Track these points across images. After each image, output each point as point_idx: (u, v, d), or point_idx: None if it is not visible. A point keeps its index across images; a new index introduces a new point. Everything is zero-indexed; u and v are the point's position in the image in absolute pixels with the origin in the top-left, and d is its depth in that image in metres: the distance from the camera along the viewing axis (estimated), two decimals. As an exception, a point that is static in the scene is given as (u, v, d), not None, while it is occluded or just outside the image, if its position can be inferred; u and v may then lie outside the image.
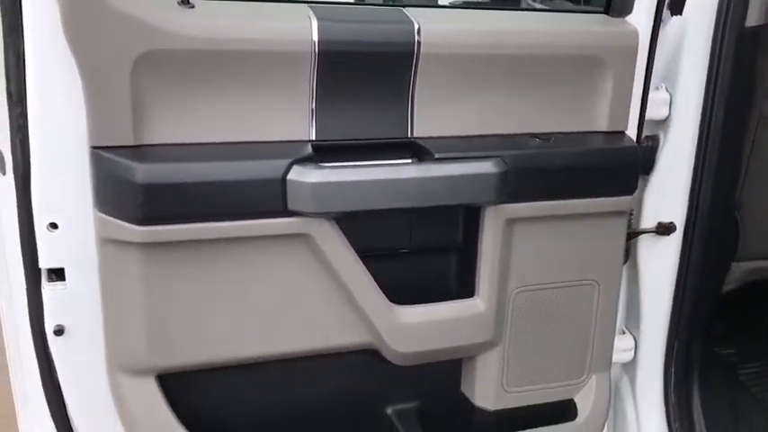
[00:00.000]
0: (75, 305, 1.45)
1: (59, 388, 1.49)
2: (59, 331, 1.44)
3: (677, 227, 1.87)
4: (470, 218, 1.56)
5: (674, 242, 1.88)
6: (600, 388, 1.72)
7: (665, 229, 1.87)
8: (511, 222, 1.54)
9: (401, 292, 1.53)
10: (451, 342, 1.57)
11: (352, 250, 1.45)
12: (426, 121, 1.50)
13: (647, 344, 1.96)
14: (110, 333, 1.41)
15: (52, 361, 1.46)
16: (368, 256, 1.48)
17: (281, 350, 1.49)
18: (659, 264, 1.90)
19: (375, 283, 1.48)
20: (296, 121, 1.43)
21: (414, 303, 1.54)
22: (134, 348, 1.40)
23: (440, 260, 1.64)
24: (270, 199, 1.37)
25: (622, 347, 1.94)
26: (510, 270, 1.58)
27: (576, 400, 1.73)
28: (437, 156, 1.46)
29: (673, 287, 1.90)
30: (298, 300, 1.46)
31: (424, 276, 1.63)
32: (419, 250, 1.61)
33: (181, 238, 1.34)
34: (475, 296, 1.57)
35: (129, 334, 1.39)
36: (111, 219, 1.32)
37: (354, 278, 1.46)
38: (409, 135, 1.50)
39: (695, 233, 1.86)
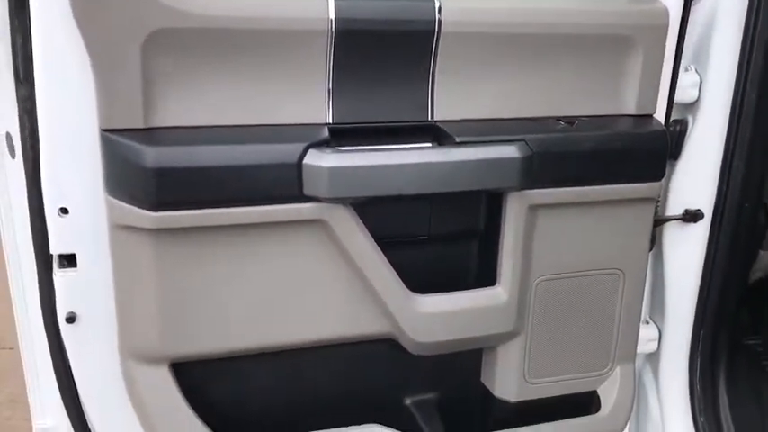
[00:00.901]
0: (87, 292, 1.42)
1: (71, 375, 1.46)
2: (71, 318, 1.41)
3: (705, 214, 1.81)
4: (492, 204, 1.50)
5: (701, 230, 1.82)
6: (624, 379, 1.67)
7: (691, 217, 1.81)
8: (534, 209, 1.49)
9: (420, 280, 1.48)
10: (472, 332, 1.53)
11: (370, 237, 1.40)
12: (447, 104, 1.45)
13: (671, 334, 1.90)
14: (122, 321, 1.38)
15: (64, 348, 1.43)
16: (386, 243, 1.43)
17: (297, 339, 1.45)
18: (685, 252, 1.84)
19: (394, 271, 1.43)
20: (312, 103, 1.38)
21: (433, 292, 1.49)
22: (147, 336, 1.37)
23: (460, 248, 1.59)
24: (285, 184, 1.32)
25: (646, 338, 1.88)
26: (533, 258, 1.53)
27: (599, 391, 1.68)
28: (458, 140, 1.41)
29: (699, 276, 1.84)
30: (314, 288, 1.42)
31: (443, 264, 1.58)
32: (439, 237, 1.56)
33: (194, 224, 1.30)
34: (496, 285, 1.52)
35: (141, 322, 1.36)
36: (123, 204, 1.29)
37: (372, 266, 1.41)
38: (429, 118, 1.45)
39: (723, 221, 1.80)
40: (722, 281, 1.83)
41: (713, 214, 1.80)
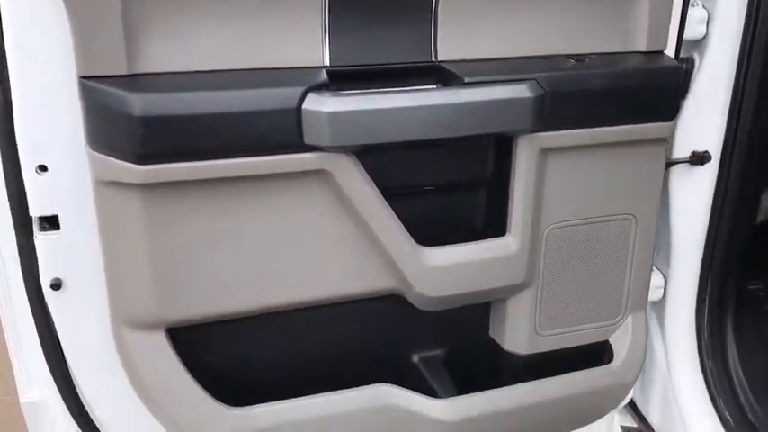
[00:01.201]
0: (72, 256, 1.32)
1: (59, 345, 1.37)
2: (56, 285, 1.32)
3: (712, 156, 1.75)
4: (501, 149, 1.42)
5: (708, 172, 1.76)
6: (636, 328, 1.62)
7: (699, 159, 1.75)
8: (545, 153, 1.41)
9: (426, 233, 1.40)
10: (482, 285, 1.46)
11: (375, 187, 1.31)
12: (452, 42, 1.35)
13: (677, 281, 1.86)
14: (113, 285, 1.28)
15: (50, 317, 1.34)
16: (390, 195, 1.34)
17: (300, 298, 1.37)
18: (692, 195, 1.79)
19: (400, 223, 1.35)
20: (307, 44, 1.28)
21: (440, 245, 1.42)
22: (141, 301, 1.27)
23: (467, 198, 1.51)
24: (283, 132, 1.22)
25: (651, 285, 1.83)
26: (543, 205, 1.45)
27: (611, 341, 1.63)
28: (466, 80, 1.31)
29: (707, 220, 1.79)
30: (317, 243, 1.34)
31: (449, 216, 1.51)
32: (444, 187, 1.48)
33: (185, 177, 1.20)
34: (506, 235, 1.45)
35: (134, 285, 1.27)
36: (107, 158, 1.18)
37: (378, 218, 1.33)
38: (433, 58, 1.35)
39: (732, 163, 1.74)
40: (731, 224, 1.78)
41: (721, 156, 1.74)
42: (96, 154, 1.19)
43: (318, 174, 1.27)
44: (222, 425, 1.36)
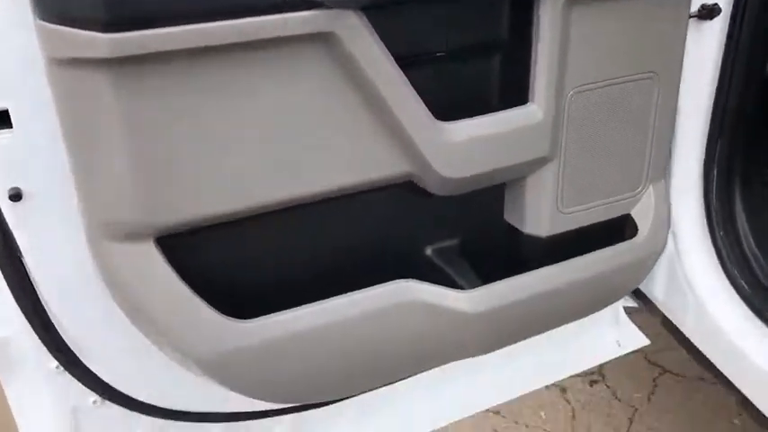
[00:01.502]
0: (31, 159, 1.08)
1: (24, 267, 1.15)
2: (16, 196, 1.08)
3: (722, 9, 1.61)
4: (520, 5, 1.24)
5: (717, 27, 1.62)
6: (659, 198, 1.52)
7: (708, 13, 1.61)
8: (569, 7, 1.23)
9: (440, 107, 1.22)
10: (505, 160, 1.30)
11: (388, 52, 1.11)
12: None
13: (684, 144, 1.75)
14: (86, 191, 1.06)
15: (10, 234, 1.11)
16: (400, 64, 1.15)
17: (305, 191, 1.19)
18: (700, 52, 1.65)
19: (416, 94, 1.17)
20: None
21: (456, 119, 1.25)
22: (122, 207, 1.06)
23: (482, 64, 1.33)
24: None
25: (656, 155, 1.72)
26: (567, 66, 1.29)
27: (633, 215, 1.52)
28: None
29: (716, 77, 1.67)
30: (322, 124, 1.14)
31: (463, 86, 1.33)
32: (458, 53, 1.29)
33: (164, 47, 0.97)
34: (529, 102, 1.29)
35: (111, 189, 1.05)
36: (61, 28, 0.94)
37: (392, 88, 1.14)
38: None
39: (744, 16, 1.61)
40: (741, 82, 1.66)
41: (732, 9, 1.61)
42: (47, 25, 0.94)
43: (322, 38, 1.06)
44: (228, 339, 1.19)
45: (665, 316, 1.92)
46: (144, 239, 1.09)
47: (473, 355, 1.42)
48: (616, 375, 2.76)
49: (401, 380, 1.41)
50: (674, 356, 2.70)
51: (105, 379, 1.30)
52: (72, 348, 1.24)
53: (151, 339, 1.20)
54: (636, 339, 1.91)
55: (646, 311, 2.08)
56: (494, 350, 1.44)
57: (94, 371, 1.28)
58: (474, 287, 1.37)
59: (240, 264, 1.27)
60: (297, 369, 1.27)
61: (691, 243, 1.79)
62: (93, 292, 1.18)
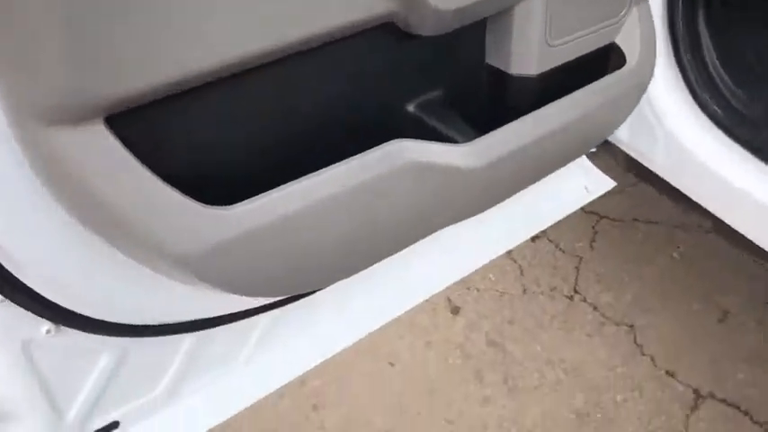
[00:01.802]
0: None
1: None
2: None
3: None
4: None
5: None
6: (644, 21, 1.40)
7: None
8: None
9: None
10: None
11: None
12: None
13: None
14: (4, 61, 0.80)
15: None
16: None
17: (276, 42, 0.96)
18: None
19: None
20: None
21: None
22: (59, 77, 0.80)
23: None
24: None
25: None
26: None
27: (619, 43, 1.40)
28: None
29: None
30: None
31: None
32: None
33: None
34: None
35: (42, 54, 0.79)
36: None
37: None
38: None
39: None
40: None
41: None
42: None
43: None
44: (212, 230, 0.98)
45: (627, 156, 1.87)
46: (91, 119, 0.85)
47: (473, 215, 1.30)
48: (556, 228, 2.76)
49: (396, 252, 1.27)
50: (608, 202, 2.73)
51: (57, 302, 1.07)
52: (12, 272, 1.00)
53: (113, 242, 0.98)
54: (602, 183, 1.86)
55: (605, 155, 2.04)
56: (497, 202, 1.32)
57: (44, 294, 1.05)
58: (470, 139, 1.22)
59: (201, 144, 1.04)
60: (291, 255, 1.09)
61: (658, 71, 1.71)
62: (30, 199, 0.93)
